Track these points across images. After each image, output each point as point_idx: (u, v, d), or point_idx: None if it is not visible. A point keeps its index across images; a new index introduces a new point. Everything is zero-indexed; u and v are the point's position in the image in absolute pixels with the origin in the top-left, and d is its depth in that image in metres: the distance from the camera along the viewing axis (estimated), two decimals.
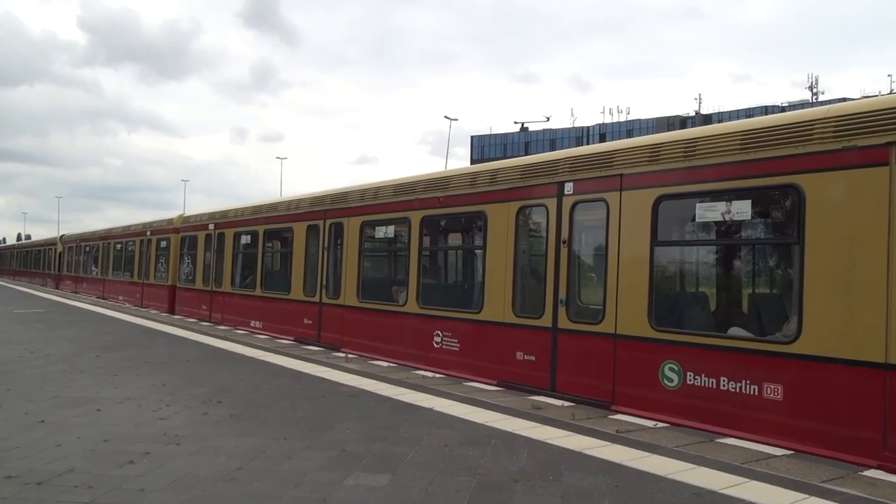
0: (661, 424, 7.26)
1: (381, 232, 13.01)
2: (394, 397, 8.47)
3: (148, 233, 25.10)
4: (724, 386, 6.98)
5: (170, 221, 23.34)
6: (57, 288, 40.49)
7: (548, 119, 59.93)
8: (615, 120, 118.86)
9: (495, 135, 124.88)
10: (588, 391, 8.42)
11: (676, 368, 7.42)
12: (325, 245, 14.08)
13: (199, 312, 20.27)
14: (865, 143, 6.14)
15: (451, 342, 10.63)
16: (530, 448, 6.22)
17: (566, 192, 8.95)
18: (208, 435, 6.65)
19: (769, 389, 6.64)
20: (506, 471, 5.55)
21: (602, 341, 8.25)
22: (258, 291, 16.87)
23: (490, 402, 8.18)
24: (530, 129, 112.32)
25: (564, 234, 8.92)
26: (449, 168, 10.86)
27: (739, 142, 7.16)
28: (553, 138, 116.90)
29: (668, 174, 7.79)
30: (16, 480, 5.23)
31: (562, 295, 8.86)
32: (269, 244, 17.10)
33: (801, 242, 6.52)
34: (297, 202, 15.65)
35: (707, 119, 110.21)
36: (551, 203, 9.13)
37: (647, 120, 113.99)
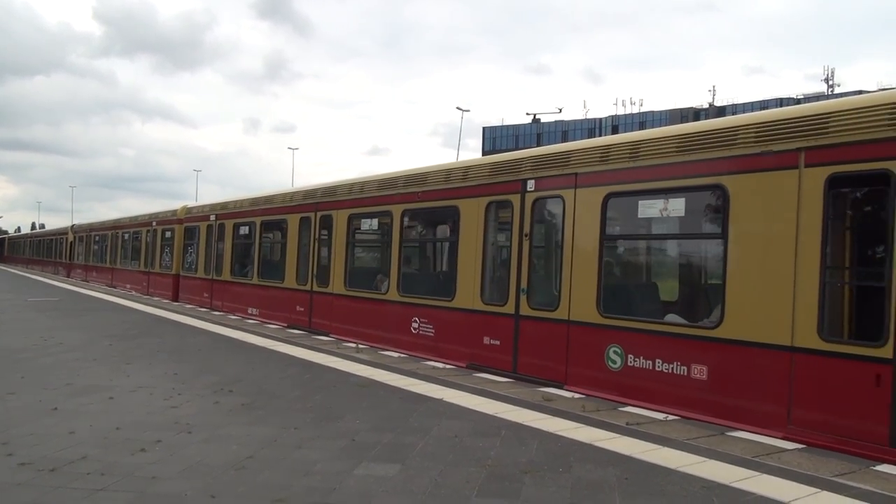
0: (671, 417, 7.26)
1: (366, 224, 13.65)
2: (404, 388, 8.48)
3: (154, 223, 25.72)
4: (658, 367, 7.68)
5: (174, 212, 23.93)
6: (68, 276, 41.03)
7: (560, 111, 59.86)
8: (628, 112, 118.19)
9: (507, 126, 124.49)
10: (544, 372, 9.09)
11: (619, 351, 8.13)
12: (316, 236, 14.77)
13: (201, 300, 20.92)
14: (780, 148, 6.81)
15: (427, 327, 11.33)
16: (540, 439, 6.22)
17: (528, 189, 9.62)
18: (219, 424, 6.69)
19: (696, 370, 7.33)
20: (515, 462, 5.55)
21: (557, 327, 8.92)
22: (255, 280, 17.59)
23: (500, 393, 8.19)
24: (543, 120, 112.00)
25: (526, 228, 9.58)
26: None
27: (676, 145, 7.84)
28: (565, 130, 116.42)
29: (615, 173, 8.47)
30: (30, 467, 5.28)
31: (523, 284, 9.52)
32: (266, 235, 17.74)
33: (725, 238, 7.21)
34: (291, 195, 16.36)
35: (721, 111, 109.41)
36: (516, 199, 9.78)
37: (660, 112, 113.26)
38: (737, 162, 7.17)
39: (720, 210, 7.33)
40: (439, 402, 7.74)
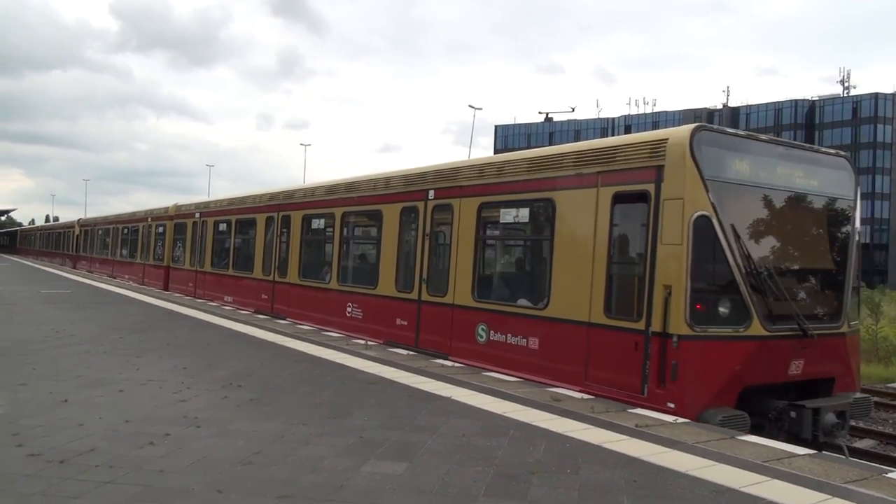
0: (680, 420, 7.23)
1: (315, 223, 15.66)
2: (412, 385, 8.47)
3: (149, 219, 27.60)
4: (511, 341, 9.62)
5: (166, 210, 25.69)
6: (74, 267, 42.37)
7: (573, 110, 59.39)
8: (641, 112, 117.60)
9: (519, 125, 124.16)
10: (436, 346, 11.01)
11: (485, 328, 10.07)
12: (277, 233, 16.94)
13: (187, 289, 22.62)
14: (587, 171, 8.76)
15: (357, 311, 13.39)
16: (548, 440, 6.19)
17: (430, 198, 11.58)
18: (228, 418, 6.70)
19: (532, 342, 9.28)
20: (523, 462, 5.53)
21: (446, 309, 10.87)
22: (230, 271, 19.74)
23: (509, 392, 8.16)
24: (555, 119, 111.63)
25: (427, 229, 11.55)
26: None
27: (526, 165, 9.86)
28: (578, 129, 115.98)
29: (487, 187, 10.47)
30: (39, 458, 5.30)
31: (424, 275, 11.44)
32: (239, 232, 19.75)
33: (552, 240, 9.17)
34: (259, 197, 18.49)
35: (735, 112, 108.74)
36: (421, 205, 11.76)
37: (674, 112, 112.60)
38: (561, 181, 9.13)
39: (550, 218, 9.28)
40: (447, 400, 7.73)
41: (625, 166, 8.32)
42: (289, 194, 16.84)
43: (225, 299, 19.59)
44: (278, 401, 7.57)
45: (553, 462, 5.55)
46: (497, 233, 11.13)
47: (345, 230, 14.50)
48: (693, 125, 7.92)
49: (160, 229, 26.00)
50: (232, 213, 19.93)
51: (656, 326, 7.60)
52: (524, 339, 9.37)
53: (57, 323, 13.87)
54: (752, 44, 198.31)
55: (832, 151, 9.46)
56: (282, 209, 16.81)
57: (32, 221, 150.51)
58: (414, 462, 5.47)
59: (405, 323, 11.84)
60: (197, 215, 22.44)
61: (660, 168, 7.84)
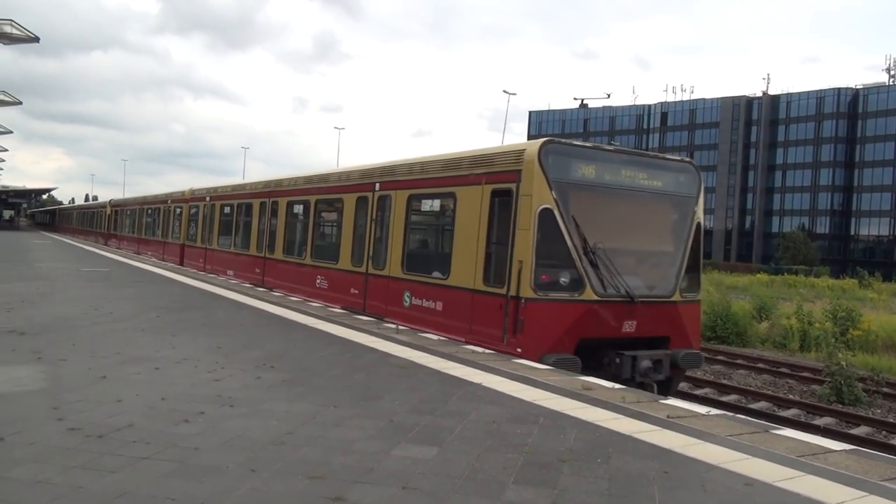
0: (713, 411, 7.16)
1: (296, 209, 18.44)
2: (443, 371, 8.49)
3: (169, 201, 30.56)
4: (425, 304, 11.83)
5: (183, 193, 28.36)
6: (106, 244, 45.17)
7: (608, 96, 58.60)
8: (678, 99, 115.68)
9: (554, 111, 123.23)
10: (377, 311, 13.27)
11: (409, 295, 12.31)
12: (269, 216, 19.57)
13: (198, 265, 25.17)
14: (477, 172, 10.92)
15: (324, 282, 15.96)
16: (578, 429, 6.16)
17: (376, 189, 13.94)
18: (261, 399, 6.79)
19: (438, 305, 11.46)
20: (553, 450, 5.52)
21: (384, 280, 13.20)
22: (233, 249, 22.46)
23: (539, 380, 8.14)
24: (590, 106, 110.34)
25: (374, 215, 13.88)
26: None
27: (442, 165, 12.14)
28: (613, 116, 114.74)
29: (413, 181, 12.82)
30: (79, 433, 5.44)
31: (370, 252, 13.81)
32: (239, 214, 22.26)
33: (454, 226, 11.39)
34: (255, 184, 21.56)
35: (775, 100, 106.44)
36: (370, 195, 14.16)
37: (712, 100, 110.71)
38: (460, 179, 11.33)
39: (453, 208, 11.56)
40: (478, 386, 7.73)
41: (499, 169, 10.50)
42: (278, 183, 19.53)
43: (228, 273, 22.13)
44: (310, 382, 7.65)
45: (583, 451, 5.53)
46: (419, 219, 13.51)
47: (317, 215, 17.12)
48: (544, 139, 10.06)
49: (178, 211, 28.58)
50: (234, 197, 22.53)
51: (513, 292, 9.73)
52: (434, 303, 11.55)
53: (96, 300, 14.17)
54: (796, 30, 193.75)
55: (678, 158, 11.88)
56: (272, 195, 19.45)
57: (72, 200, 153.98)
58: (444, 447, 5.49)
59: (356, 292, 14.24)
60: (207, 199, 24.99)
61: (519, 171, 9.96)
